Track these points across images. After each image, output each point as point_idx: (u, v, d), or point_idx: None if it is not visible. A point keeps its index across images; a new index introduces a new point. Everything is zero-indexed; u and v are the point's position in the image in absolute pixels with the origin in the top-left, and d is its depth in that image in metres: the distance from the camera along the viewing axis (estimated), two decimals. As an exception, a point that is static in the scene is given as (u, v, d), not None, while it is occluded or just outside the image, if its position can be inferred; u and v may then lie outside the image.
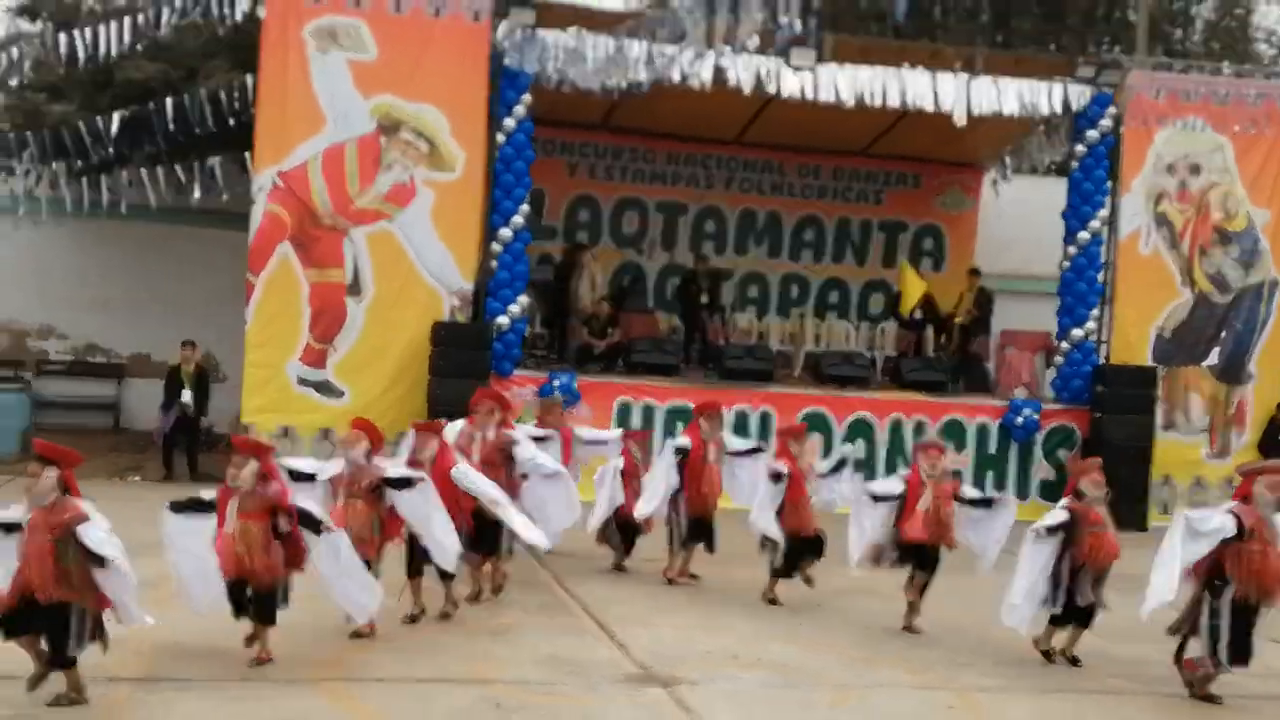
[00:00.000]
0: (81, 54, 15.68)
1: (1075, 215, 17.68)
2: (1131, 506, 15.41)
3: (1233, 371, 18.21)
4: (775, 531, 10.65)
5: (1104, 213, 17.65)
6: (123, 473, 15.96)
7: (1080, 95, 17.36)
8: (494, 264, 16.17)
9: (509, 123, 16.14)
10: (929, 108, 16.83)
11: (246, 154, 15.78)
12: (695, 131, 20.67)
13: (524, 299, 16.41)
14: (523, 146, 16.28)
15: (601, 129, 20.69)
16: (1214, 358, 18.15)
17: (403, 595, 9.32)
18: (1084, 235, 17.56)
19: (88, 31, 15.61)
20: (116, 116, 15.85)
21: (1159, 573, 8.49)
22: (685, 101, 17.29)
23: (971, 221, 22.29)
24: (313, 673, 8.03)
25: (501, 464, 10.22)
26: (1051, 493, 17.43)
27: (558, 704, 7.81)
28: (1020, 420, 17.33)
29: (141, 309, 19.55)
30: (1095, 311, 17.70)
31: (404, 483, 8.92)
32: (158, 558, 8.17)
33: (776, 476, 10.70)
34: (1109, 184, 17.69)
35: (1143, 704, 8.68)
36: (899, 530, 10.10)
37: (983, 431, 17.40)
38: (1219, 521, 8.45)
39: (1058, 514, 9.33)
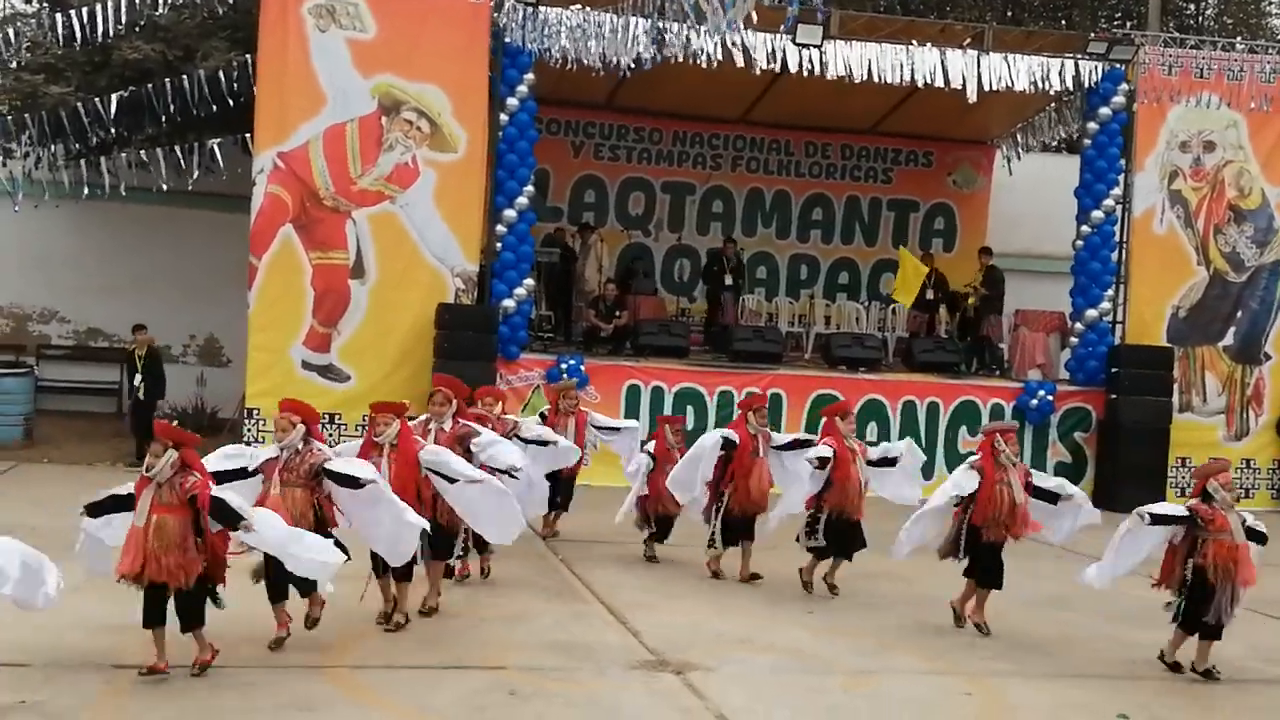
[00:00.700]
0: (78, 34, 15.49)
1: (1088, 193, 17.47)
2: (1148, 489, 15.16)
3: (1249, 351, 18.01)
4: (796, 503, 10.53)
5: (1117, 190, 17.44)
6: (126, 458, 15.78)
7: (1092, 71, 17.14)
8: (498, 245, 15.98)
9: (512, 102, 15.94)
10: (939, 84, 16.59)
11: (246, 135, 15.61)
12: (701, 110, 20.47)
13: (529, 281, 16.22)
14: (526, 126, 16.08)
15: (606, 108, 20.50)
16: (1229, 337, 17.96)
17: (365, 592, 8.65)
18: (1097, 214, 17.35)
19: (84, 11, 15.43)
20: (115, 98, 15.69)
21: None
22: (691, 80, 17.08)
23: (983, 200, 22.07)
24: (320, 659, 7.89)
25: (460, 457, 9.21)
26: (1067, 475, 17.25)
27: (570, 690, 7.67)
28: (1035, 402, 17.13)
29: (144, 292, 19.34)
30: (1110, 291, 17.49)
31: (349, 481, 8.08)
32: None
33: (823, 461, 10.29)
34: (1122, 161, 17.48)
35: (1158, 688, 8.50)
36: (974, 526, 9.49)
37: (997, 413, 17.18)
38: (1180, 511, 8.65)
39: (1175, 508, 8.81)
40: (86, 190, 16.24)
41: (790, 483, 10.88)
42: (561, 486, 12.08)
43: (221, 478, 7.83)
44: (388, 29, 15.62)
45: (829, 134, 21.45)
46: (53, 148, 16.44)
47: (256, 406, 15.31)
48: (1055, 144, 21.21)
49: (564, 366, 15.98)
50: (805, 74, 16.25)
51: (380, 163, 15.66)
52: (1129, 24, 26.52)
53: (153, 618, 7.24)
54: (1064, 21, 28.53)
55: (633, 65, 15.78)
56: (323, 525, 8.07)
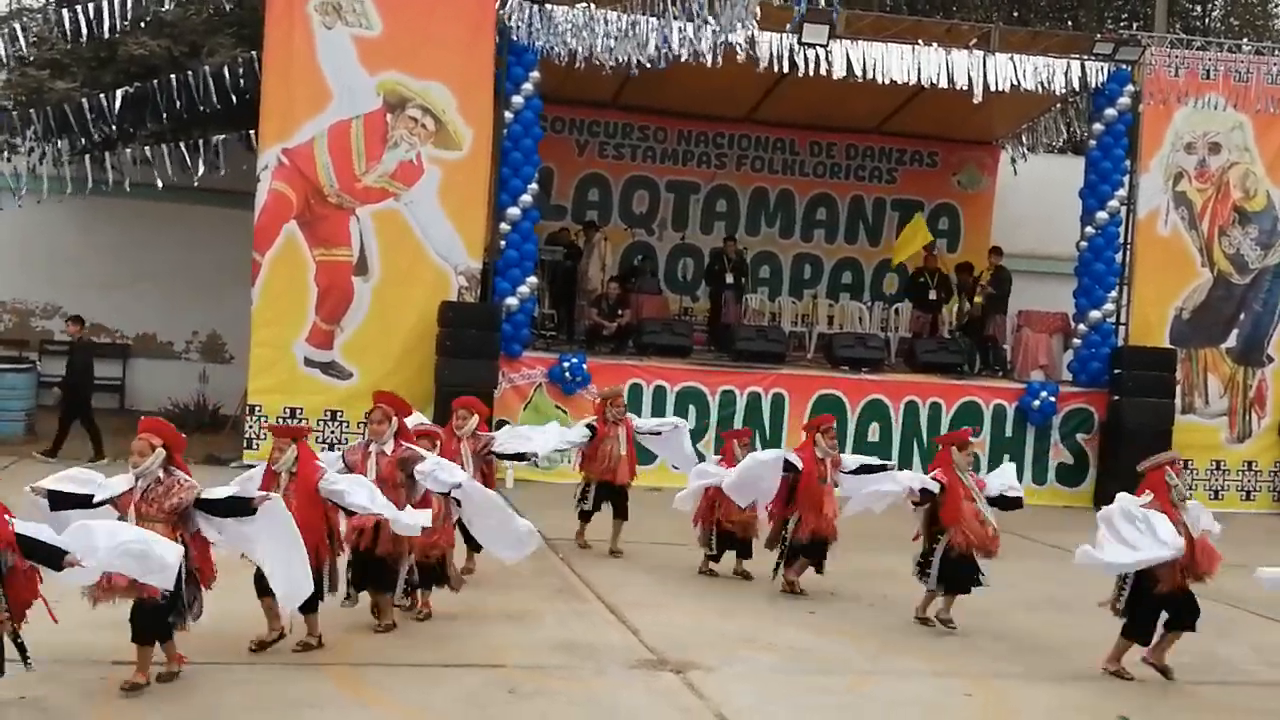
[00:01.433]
0: (84, 30, 15.49)
1: (1093, 194, 17.44)
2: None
3: (1251, 353, 17.99)
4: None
5: (1122, 192, 17.40)
6: (129, 455, 15.74)
7: (1098, 72, 17.11)
8: (502, 243, 15.97)
9: (517, 100, 15.92)
10: (944, 84, 16.57)
11: (251, 131, 15.61)
12: (706, 110, 20.46)
13: (533, 279, 16.21)
14: (531, 124, 16.06)
15: (611, 107, 20.49)
16: (1232, 339, 17.94)
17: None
18: (1102, 215, 17.32)
19: (90, 7, 15.41)
20: (120, 93, 15.68)
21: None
22: (696, 79, 17.05)
23: (987, 201, 22.05)
24: (319, 657, 7.89)
25: (402, 484, 8.41)
26: (1069, 477, 17.29)
27: (570, 689, 7.67)
28: (1037, 403, 17.11)
29: (147, 288, 19.39)
30: (1113, 293, 17.46)
31: (236, 507, 7.19)
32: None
33: (925, 495, 9.64)
34: (1127, 163, 17.44)
35: (1162, 691, 8.49)
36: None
37: (999, 414, 17.18)
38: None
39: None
40: (90, 186, 16.25)
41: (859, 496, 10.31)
42: (614, 495, 11.77)
43: (60, 501, 7.11)
44: (393, 26, 15.61)
45: (834, 134, 21.43)
46: (57, 143, 16.47)
47: (258, 403, 15.31)
48: (1060, 145, 21.19)
49: (566, 365, 15.98)
50: (811, 74, 16.23)
51: (385, 160, 15.65)
52: (1135, 25, 26.52)
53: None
54: (1070, 22, 28.52)
55: (643, 64, 15.78)
56: (191, 578, 7.14)
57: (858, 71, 16.26)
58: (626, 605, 9.78)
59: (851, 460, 10.60)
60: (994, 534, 9.56)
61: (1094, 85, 17.18)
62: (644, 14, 15.49)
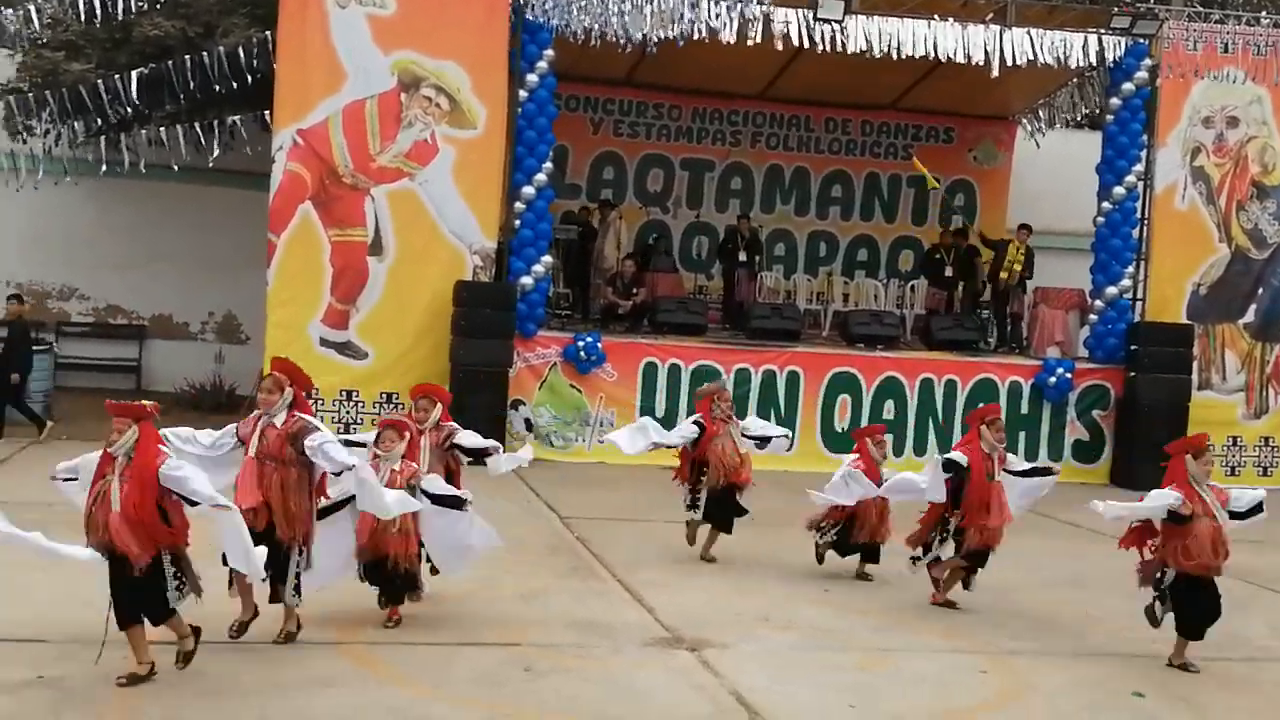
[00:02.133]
0: (99, 11, 15.49)
1: (1110, 169, 17.34)
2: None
3: (1269, 329, 17.89)
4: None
5: (1139, 167, 17.30)
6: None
7: (1115, 46, 17.00)
8: (517, 222, 15.96)
9: (531, 78, 15.88)
10: (961, 59, 16.48)
11: (266, 112, 15.60)
12: (721, 87, 20.38)
13: (547, 258, 16.20)
14: (545, 102, 16.03)
15: (625, 85, 20.43)
16: (1250, 315, 17.84)
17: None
18: (1119, 190, 17.23)
19: (104, -12, 15.40)
20: (135, 74, 15.67)
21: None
22: (711, 56, 16.99)
23: (1004, 176, 21.95)
24: (337, 635, 7.94)
25: (293, 460, 7.58)
26: (1085, 453, 17.24)
27: (586, 666, 7.71)
28: (1053, 380, 17.05)
29: (163, 269, 19.45)
30: (1130, 268, 17.38)
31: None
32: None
33: None
34: (1144, 137, 17.33)
35: (1178, 669, 8.45)
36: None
37: (1015, 391, 17.13)
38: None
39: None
40: (106, 167, 16.26)
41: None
42: (726, 500, 10.72)
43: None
44: (407, 5, 15.57)
45: (849, 110, 21.34)
46: (73, 125, 16.49)
47: (275, 383, 15.32)
48: (1077, 120, 21.07)
49: (581, 344, 15.98)
50: (826, 50, 16.16)
51: (399, 139, 15.63)
52: (1152, -2, 26.26)
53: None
54: (1086, -4, 28.25)
55: (657, 41, 15.72)
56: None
57: (873, 47, 16.17)
58: (642, 584, 9.80)
59: (1019, 462, 9.88)
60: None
61: (1111, 59, 17.07)
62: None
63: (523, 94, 15.89)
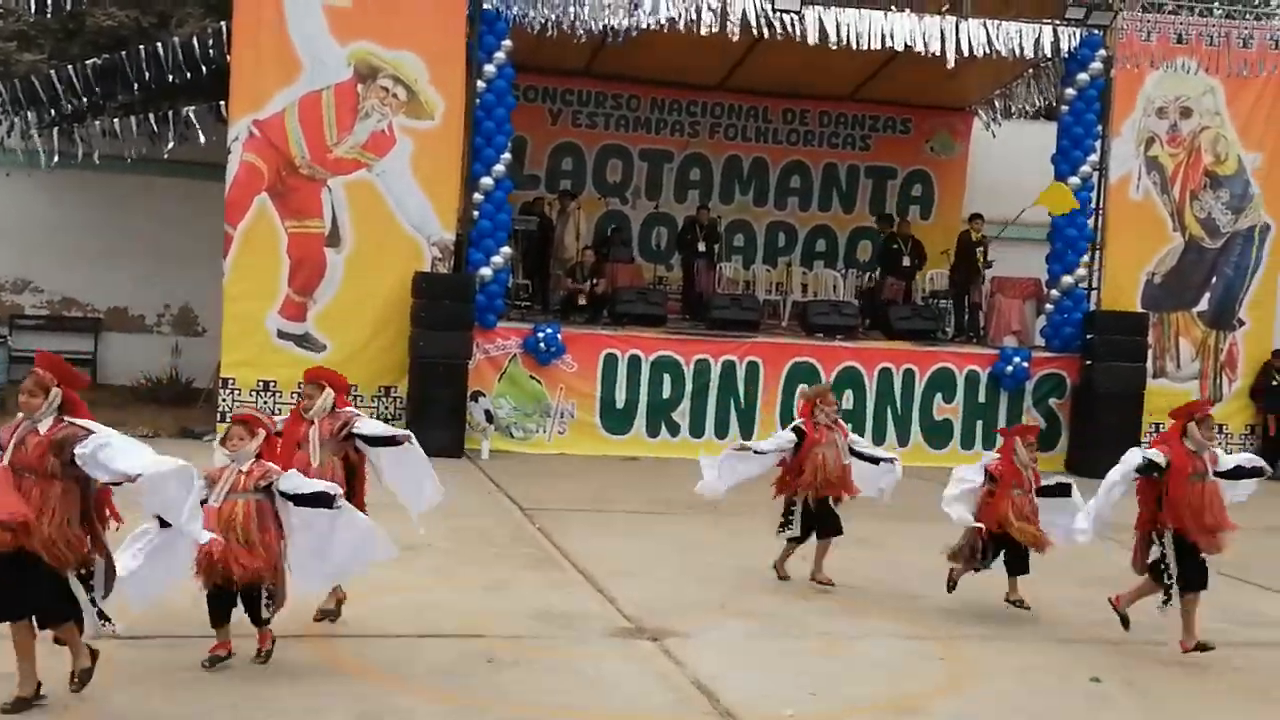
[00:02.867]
0: (51, 1, 15.32)
1: (1065, 160, 17.49)
2: (1121, 454, 15.24)
3: (1223, 317, 18.11)
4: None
5: (1094, 157, 17.46)
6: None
7: (1070, 37, 17.13)
8: (475, 214, 15.92)
9: (489, 69, 15.84)
10: (917, 49, 16.56)
11: (221, 102, 15.48)
12: (679, 77, 20.42)
13: (506, 249, 16.17)
14: (503, 93, 15.99)
15: (584, 75, 20.43)
16: (1204, 303, 18.05)
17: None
18: (1074, 180, 17.36)
19: (56, -23, 15.24)
20: (88, 65, 15.50)
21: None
22: (669, 47, 17.02)
23: (960, 167, 22.11)
24: (296, 627, 7.87)
25: (56, 472, 6.27)
26: (1041, 441, 17.25)
27: (549, 657, 7.71)
28: (1010, 369, 17.20)
29: (118, 261, 19.26)
30: (1085, 258, 17.55)
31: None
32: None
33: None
34: (1099, 128, 17.49)
35: (1133, 652, 8.55)
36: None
37: (972, 380, 17.26)
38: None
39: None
40: (59, 159, 16.08)
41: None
42: (825, 511, 9.78)
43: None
44: (363, -5, 15.50)
45: (807, 101, 21.43)
46: (26, 116, 16.29)
47: (232, 376, 15.26)
48: (1033, 111, 21.24)
49: (541, 335, 15.97)
50: (783, 38, 16.20)
51: (356, 130, 15.56)
52: (1107, -10, 26.43)
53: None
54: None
55: (616, 30, 15.71)
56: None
57: (831, 37, 16.24)
58: (604, 575, 9.81)
59: (1229, 460, 8.58)
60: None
61: (1066, 50, 17.20)
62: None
63: (481, 85, 15.84)
